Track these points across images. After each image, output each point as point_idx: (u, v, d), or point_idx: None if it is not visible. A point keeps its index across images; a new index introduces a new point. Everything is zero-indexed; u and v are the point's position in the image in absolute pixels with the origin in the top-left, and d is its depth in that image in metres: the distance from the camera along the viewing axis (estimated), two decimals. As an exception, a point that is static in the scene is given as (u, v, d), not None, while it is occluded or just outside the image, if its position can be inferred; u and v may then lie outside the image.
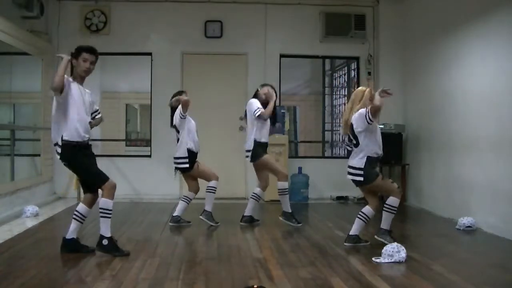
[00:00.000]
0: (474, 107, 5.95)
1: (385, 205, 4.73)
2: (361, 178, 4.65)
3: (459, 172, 6.25)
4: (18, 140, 7.33)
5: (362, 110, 4.62)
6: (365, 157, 4.63)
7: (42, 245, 4.73)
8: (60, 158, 4.21)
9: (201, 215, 5.76)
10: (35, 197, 7.02)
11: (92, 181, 4.33)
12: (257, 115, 5.61)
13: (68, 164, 4.27)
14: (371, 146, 4.65)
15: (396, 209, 4.70)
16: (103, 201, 4.26)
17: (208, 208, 5.76)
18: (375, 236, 4.78)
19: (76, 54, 4.24)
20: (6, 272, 3.71)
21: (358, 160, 4.67)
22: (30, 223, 5.86)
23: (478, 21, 5.88)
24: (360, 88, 4.93)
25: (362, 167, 4.63)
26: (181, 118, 5.59)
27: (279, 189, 5.73)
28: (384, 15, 8.24)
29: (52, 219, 6.20)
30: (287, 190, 5.76)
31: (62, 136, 4.15)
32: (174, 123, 5.75)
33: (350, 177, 4.74)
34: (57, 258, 4.19)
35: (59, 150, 4.17)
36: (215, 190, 5.76)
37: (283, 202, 5.80)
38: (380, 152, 4.72)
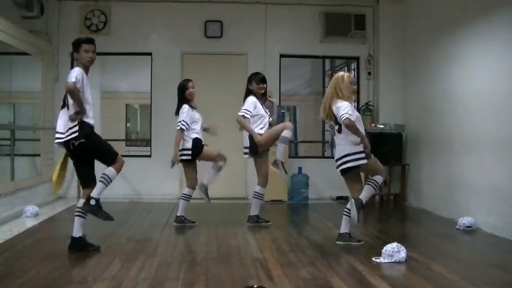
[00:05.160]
0: (474, 107, 5.95)
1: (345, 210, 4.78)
2: (352, 164, 4.64)
3: (459, 172, 6.25)
4: (18, 140, 7.33)
5: (342, 105, 4.61)
6: (348, 144, 4.65)
7: (42, 245, 4.73)
8: (79, 137, 4.26)
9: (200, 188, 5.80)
10: (35, 197, 7.02)
11: (106, 155, 4.44)
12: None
13: (86, 140, 4.31)
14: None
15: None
16: (109, 170, 4.40)
17: (206, 183, 5.81)
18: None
19: (76, 47, 4.41)
20: (6, 272, 3.72)
21: (342, 148, 4.68)
22: (30, 223, 5.86)
23: (478, 21, 5.88)
24: (340, 73, 4.87)
25: (350, 152, 4.64)
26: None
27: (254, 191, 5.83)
28: (384, 15, 8.24)
29: (52, 219, 6.21)
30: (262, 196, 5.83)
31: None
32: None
33: (344, 166, 4.68)
34: (57, 258, 4.19)
35: (76, 129, 4.27)
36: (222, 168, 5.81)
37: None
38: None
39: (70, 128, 4.29)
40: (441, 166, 6.74)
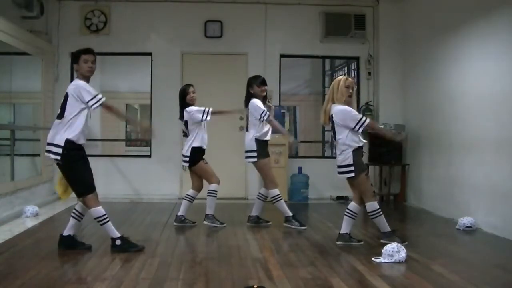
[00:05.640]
0: (474, 107, 5.95)
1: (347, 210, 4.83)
2: (353, 174, 4.69)
3: (459, 172, 6.25)
4: (18, 140, 7.32)
5: (347, 110, 4.67)
6: (351, 151, 4.66)
7: (42, 245, 4.73)
8: (61, 158, 4.20)
9: (204, 220, 5.76)
10: (35, 197, 7.02)
11: (78, 186, 4.35)
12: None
13: (67, 164, 4.26)
14: (354, 137, 4.69)
15: (356, 215, 4.83)
16: (93, 211, 4.34)
17: (209, 211, 5.76)
18: (337, 242, 4.84)
19: (75, 59, 4.40)
20: (6, 272, 3.72)
21: (344, 156, 4.70)
22: (30, 223, 5.86)
23: (478, 21, 5.88)
24: (338, 77, 4.92)
25: (352, 162, 4.66)
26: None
27: (271, 197, 5.71)
28: (384, 15, 8.24)
29: (52, 219, 6.20)
30: (279, 196, 5.70)
31: (66, 137, 4.20)
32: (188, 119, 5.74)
33: (341, 175, 4.79)
34: (57, 258, 4.19)
35: (60, 150, 4.20)
36: (216, 194, 5.76)
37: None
38: (362, 142, 4.75)
39: (56, 145, 4.22)
40: (441, 166, 6.74)
